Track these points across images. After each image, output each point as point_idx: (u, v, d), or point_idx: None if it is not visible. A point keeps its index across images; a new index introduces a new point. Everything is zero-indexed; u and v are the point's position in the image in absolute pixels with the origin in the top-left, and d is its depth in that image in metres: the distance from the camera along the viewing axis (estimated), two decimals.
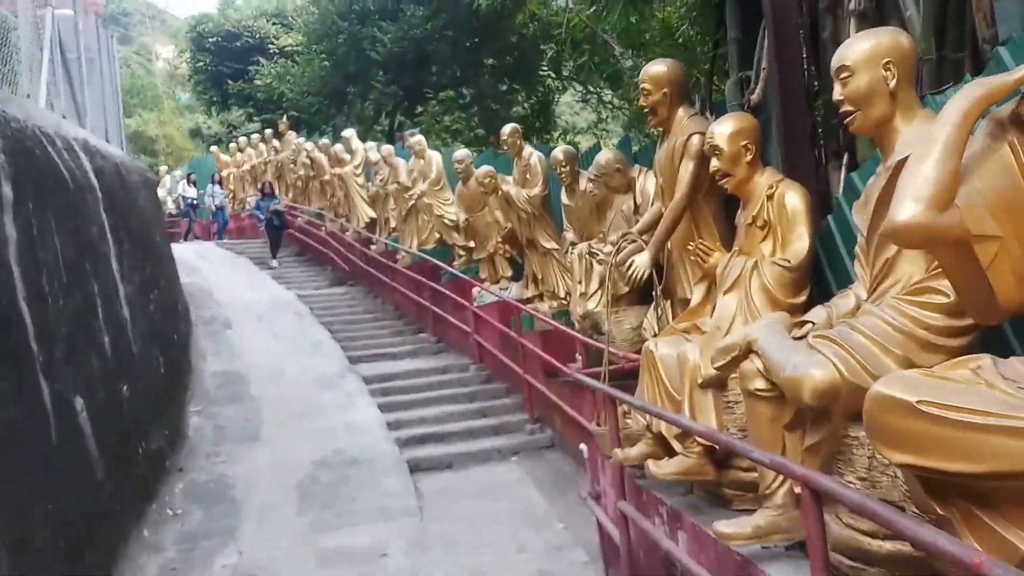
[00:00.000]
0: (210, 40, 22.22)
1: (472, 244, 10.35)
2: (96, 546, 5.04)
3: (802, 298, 3.71)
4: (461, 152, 10.08)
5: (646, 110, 4.81)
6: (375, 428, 8.05)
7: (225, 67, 21.79)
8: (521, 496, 6.65)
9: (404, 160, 12.46)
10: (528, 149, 8.28)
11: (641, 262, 4.66)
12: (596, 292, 6.57)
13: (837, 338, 2.61)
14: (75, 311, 5.68)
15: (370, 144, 14.11)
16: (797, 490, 2.82)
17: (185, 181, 19.95)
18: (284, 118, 18.95)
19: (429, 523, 6.11)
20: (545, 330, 7.94)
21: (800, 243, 3.71)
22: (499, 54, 17.30)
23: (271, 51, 21.53)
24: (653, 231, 4.98)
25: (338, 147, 15.27)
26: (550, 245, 8.11)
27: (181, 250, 17.78)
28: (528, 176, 8.13)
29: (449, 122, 15.05)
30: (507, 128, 8.30)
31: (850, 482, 2.53)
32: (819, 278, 3.87)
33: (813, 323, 3.01)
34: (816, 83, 4.69)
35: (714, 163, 3.98)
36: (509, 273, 9.72)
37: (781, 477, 2.93)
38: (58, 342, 5.19)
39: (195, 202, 19.73)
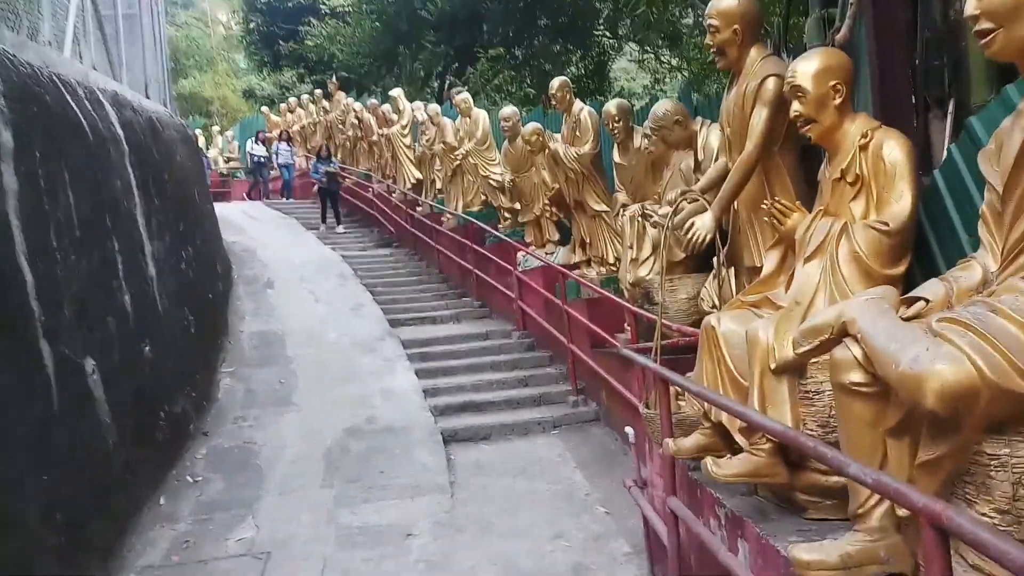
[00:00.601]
0: (262, 1, 21.73)
1: (518, 206, 9.71)
2: (103, 519, 4.64)
3: (901, 269, 3.02)
4: (508, 109, 9.41)
5: (713, 50, 4.10)
6: (411, 395, 7.56)
7: (277, 28, 21.32)
8: (561, 475, 6.10)
9: (451, 120, 11.84)
10: (579, 104, 7.58)
11: (702, 224, 3.97)
12: (649, 258, 5.91)
13: (972, 322, 1.94)
14: (89, 269, 5.25)
15: (417, 104, 13.49)
16: (902, 512, 2.18)
17: (253, 139, 19.30)
18: (334, 78, 18.42)
19: (461, 502, 5.60)
20: (592, 298, 7.32)
21: (901, 203, 2.99)
22: (553, 13, 16.46)
23: (322, 11, 20.95)
24: (717, 189, 4.29)
25: (386, 107, 14.71)
26: (600, 207, 7.44)
27: (228, 209, 17.56)
28: (578, 133, 7.44)
29: (500, 81, 14.34)
30: (556, 81, 7.60)
31: (984, 514, 1.88)
32: (921, 246, 3.17)
33: (927, 300, 2.34)
34: (916, 17, 3.91)
35: (795, 107, 3.27)
36: (556, 237, 9.08)
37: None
38: (67, 301, 4.75)
39: (263, 159, 19.03)
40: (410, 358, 8.55)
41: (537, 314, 8.70)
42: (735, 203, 4.10)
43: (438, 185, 12.65)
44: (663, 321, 5.09)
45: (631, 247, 6.03)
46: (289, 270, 12.20)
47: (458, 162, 11.07)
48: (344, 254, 13.33)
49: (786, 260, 3.43)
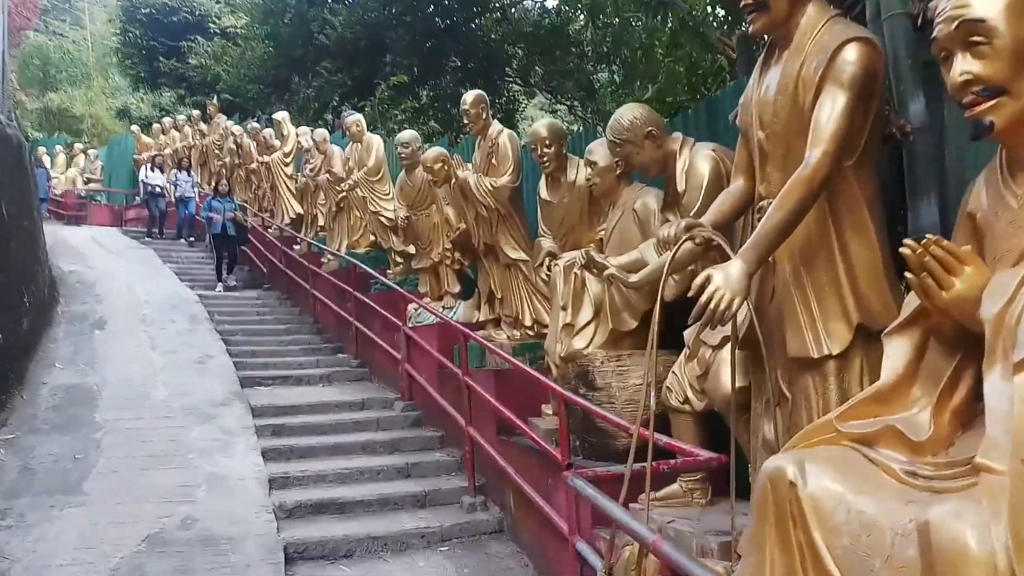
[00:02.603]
0: (143, 11, 19.26)
1: (412, 249, 7.91)
2: None
3: None
4: (406, 133, 7.65)
5: (749, 3, 2.49)
6: (251, 486, 5.49)
7: (158, 43, 18.88)
8: None
9: (341, 149, 9.99)
10: (497, 126, 5.92)
11: (729, 283, 2.25)
12: (589, 324, 4.21)
13: None
14: None
15: (303, 129, 11.57)
16: None
17: (148, 166, 15.49)
18: (215, 99, 16.22)
19: None
20: (502, 369, 5.56)
21: None
22: (463, 54, 14.98)
23: (211, 30, 18.76)
24: (730, 230, 2.67)
25: (268, 132, 12.71)
26: (516, 255, 5.74)
27: (77, 233, 14.94)
28: (494, 161, 5.75)
29: (400, 114, 12.65)
30: (470, 96, 5.92)
31: None
32: None
33: None
34: None
35: (967, 66, 1.67)
36: (456, 289, 7.31)
37: None
38: None
39: (158, 190, 15.28)
40: (259, 431, 6.48)
41: (428, 382, 6.84)
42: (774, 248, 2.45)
43: (321, 221, 10.69)
44: (615, 419, 3.39)
45: (564, 308, 4.32)
46: (130, 309, 9.87)
47: (343, 194, 9.19)
48: (203, 293, 11.07)
49: (924, 355, 1.77)
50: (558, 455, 4.07)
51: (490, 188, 5.64)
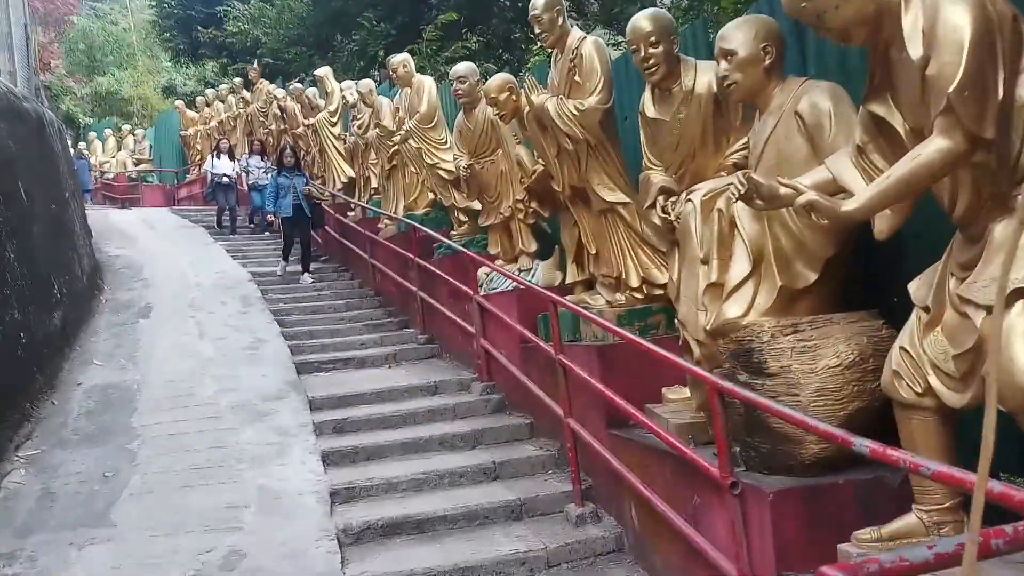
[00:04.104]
0: None
1: (478, 205, 6.73)
2: None
3: None
4: (463, 65, 6.40)
5: None
6: (309, 503, 4.46)
7: (195, 12, 17.95)
8: None
9: (390, 100, 8.81)
10: (578, 33, 4.62)
11: None
12: (746, 283, 2.95)
13: None
14: None
15: (347, 83, 10.38)
16: None
17: (213, 154, 13.21)
18: (256, 64, 15.19)
19: None
20: (605, 343, 4.37)
21: None
22: None
23: None
24: None
25: (312, 92, 11.60)
26: (614, 197, 4.48)
27: (126, 216, 14.23)
28: (578, 78, 4.46)
29: (452, 53, 11.35)
30: None
31: None
32: None
33: None
34: None
35: None
36: (533, 248, 6.12)
37: None
38: None
39: (226, 179, 12.79)
40: (318, 429, 5.46)
41: (509, 359, 5.70)
42: None
43: (374, 184, 9.58)
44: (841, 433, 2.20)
45: (705, 262, 3.07)
46: (178, 293, 9.00)
47: (395, 147, 8.03)
48: (256, 270, 10.14)
49: None
50: (712, 468, 2.87)
51: (574, 112, 4.36)
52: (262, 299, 8.72)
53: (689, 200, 3.21)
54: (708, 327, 2.99)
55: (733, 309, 2.90)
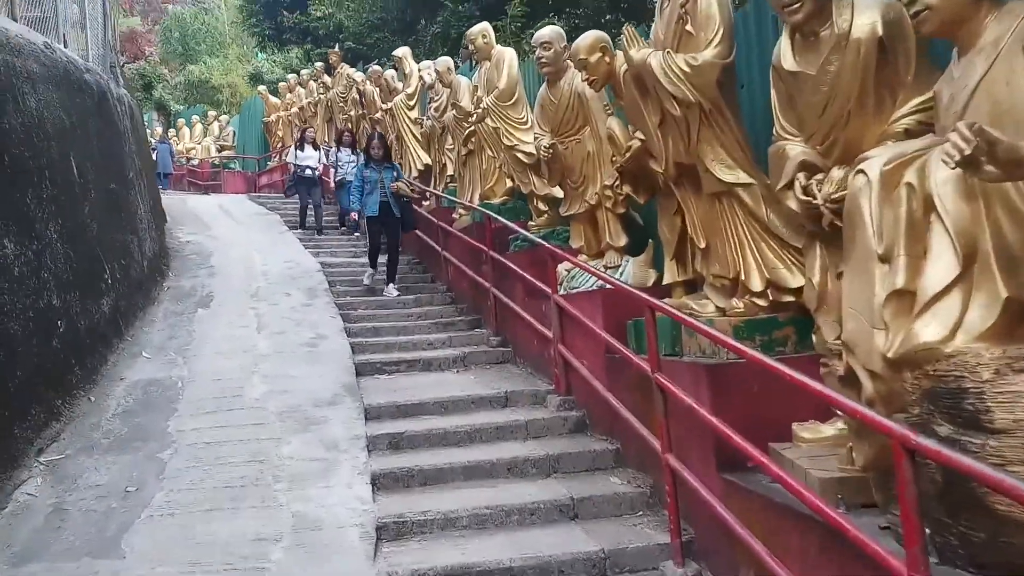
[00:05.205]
0: None
1: (559, 192, 5.88)
2: None
3: None
4: (548, 29, 5.55)
5: None
6: (351, 540, 3.72)
7: None
8: None
9: (468, 80, 8.07)
10: None
11: None
12: (950, 291, 1.99)
13: None
14: None
15: (425, 63, 9.69)
16: None
17: (298, 143, 11.95)
18: (336, 48, 14.74)
19: None
20: (717, 362, 3.46)
21: None
22: None
23: None
24: None
25: (390, 74, 11.00)
26: (732, 177, 3.54)
27: (203, 202, 14.00)
28: (689, 28, 3.55)
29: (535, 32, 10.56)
30: None
31: None
32: None
33: None
34: None
35: None
36: (622, 242, 5.22)
37: None
38: None
39: (308, 172, 11.53)
40: (371, 444, 4.73)
41: (592, 371, 4.84)
42: None
43: (450, 171, 8.85)
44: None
45: (886, 259, 2.12)
46: (243, 282, 8.51)
47: (471, 127, 7.26)
48: (327, 261, 9.59)
49: None
50: (894, 560, 1.94)
51: (685, 68, 3.45)
52: (328, 291, 8.12)
53: (861, 171, 2.26)
54: (890, 354, 2.06)
55: (931, 330, 1.96)
